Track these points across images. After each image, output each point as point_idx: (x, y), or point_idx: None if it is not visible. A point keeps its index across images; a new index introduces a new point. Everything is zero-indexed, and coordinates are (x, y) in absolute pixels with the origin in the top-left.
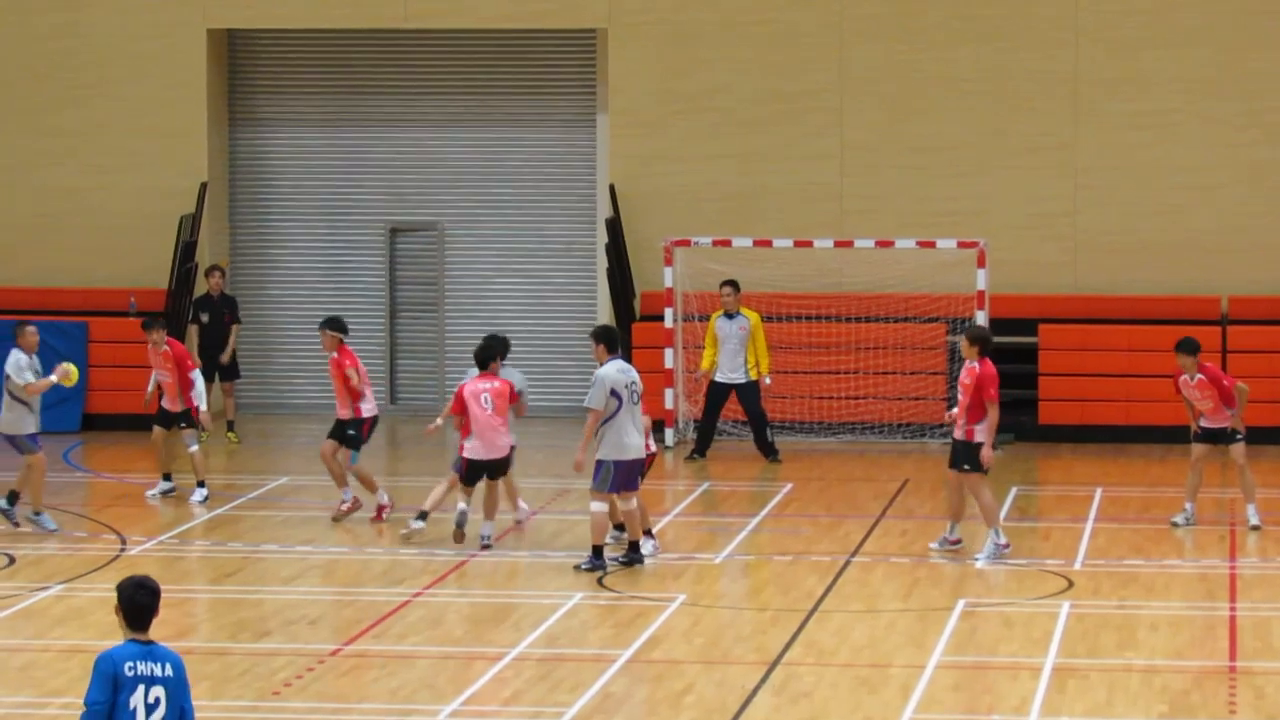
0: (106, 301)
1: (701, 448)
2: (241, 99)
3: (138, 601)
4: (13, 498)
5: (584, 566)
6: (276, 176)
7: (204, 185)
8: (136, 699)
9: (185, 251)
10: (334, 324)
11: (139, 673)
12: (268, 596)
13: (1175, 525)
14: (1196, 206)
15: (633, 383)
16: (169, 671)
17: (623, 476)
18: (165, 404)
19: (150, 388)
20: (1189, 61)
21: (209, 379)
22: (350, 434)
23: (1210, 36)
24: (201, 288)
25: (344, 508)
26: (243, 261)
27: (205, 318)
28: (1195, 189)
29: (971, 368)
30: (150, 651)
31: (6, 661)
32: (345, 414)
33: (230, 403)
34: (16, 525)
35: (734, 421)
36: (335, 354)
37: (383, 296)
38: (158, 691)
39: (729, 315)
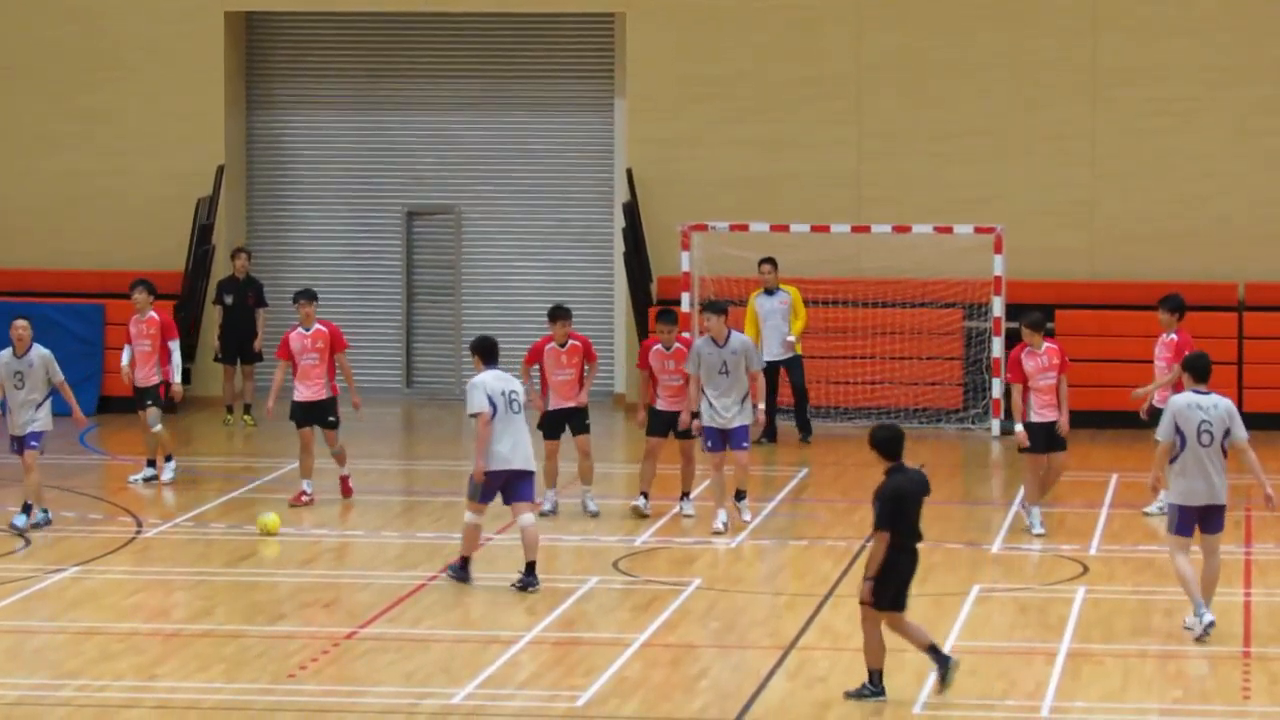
0: (123, 284)
1: (770, 432)
2: (259, 82)
3: None
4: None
5: (450, 574)
6: (294, 160)
7: (221, 168)
8: None
9: (202, 234)
10: (310, 295)
11: None
12: (283, 580)
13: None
14: (1214, 194)
15: (511, 392)
16: None
17: (489, 486)
18: (137, 379)
19: (125, 362)
20: (1207, 49)
21: (231, 362)
22: (332, 419)
23: (1228, 23)
24: (219, 271)
25: (305, 499)
26: (260, 245)
27: (229, 300)
28: (1213, 176)
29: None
30: None
31: (22, 643)
32: (324, 394)
33: (249, 386)
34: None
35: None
36: (324, 327)
37: (400, 280)
38: None
39: (769, 292)
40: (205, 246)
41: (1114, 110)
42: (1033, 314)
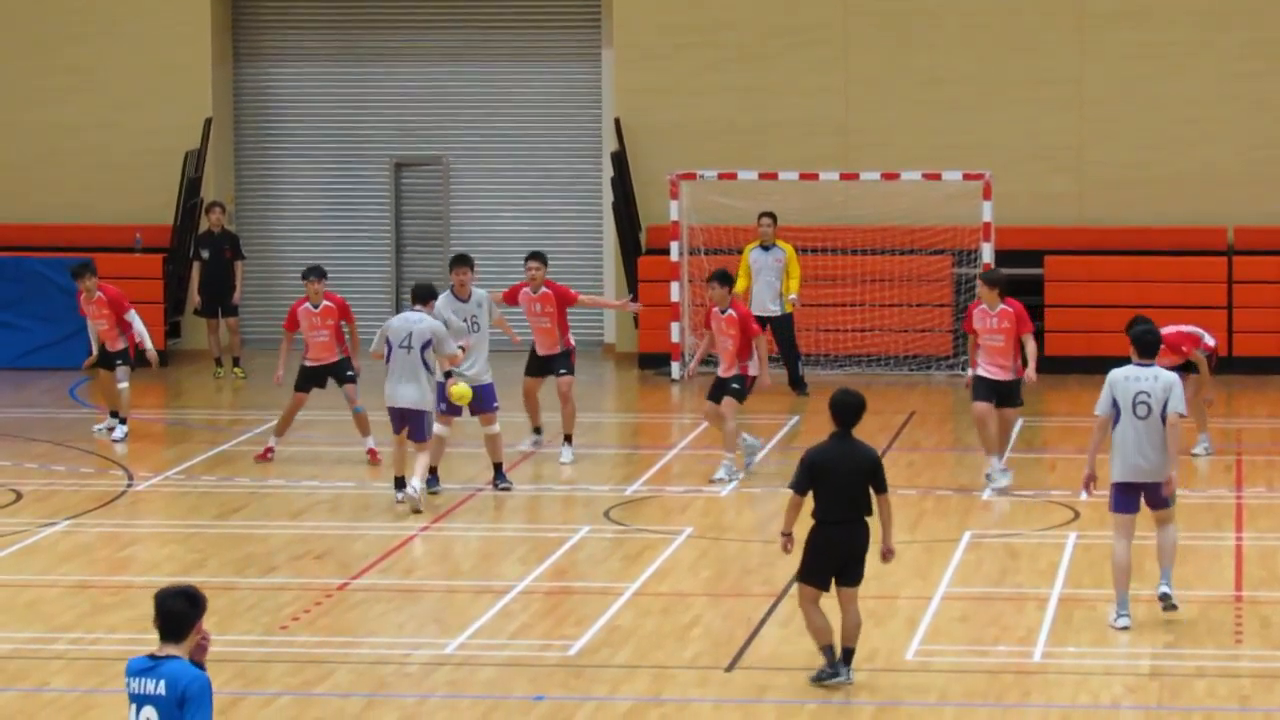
0: (112, 238)
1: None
2: (246, 34)
3: (167, 608)
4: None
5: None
6: (281, 111)
7: (208, 121)
8: (131, 716)
9: (190, 187)
10: (320, 273)
11: (133, 690)
12: (274, 531)
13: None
14: (1202, 138)
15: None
16: (161, 690)
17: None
18: (106, 346)
19: (94, 344)
20: None
21: (211, 315)
22: (350, 373)
23: None
24: (204, 225)
25: (270, 455)
26: (247, 197)
27: (206, 254)
28: (1201, 121)
29: (1004, 310)
30: (153, 668)
31: (14, 597)
32: (336, 356)
33: (236, 339)
34: None
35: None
36: (332, 303)
37: (388, 231)
38: (149, 712)
39: (765, 247)
40: (194, 200)
41: (1102, 55)
42: (993, 270)
